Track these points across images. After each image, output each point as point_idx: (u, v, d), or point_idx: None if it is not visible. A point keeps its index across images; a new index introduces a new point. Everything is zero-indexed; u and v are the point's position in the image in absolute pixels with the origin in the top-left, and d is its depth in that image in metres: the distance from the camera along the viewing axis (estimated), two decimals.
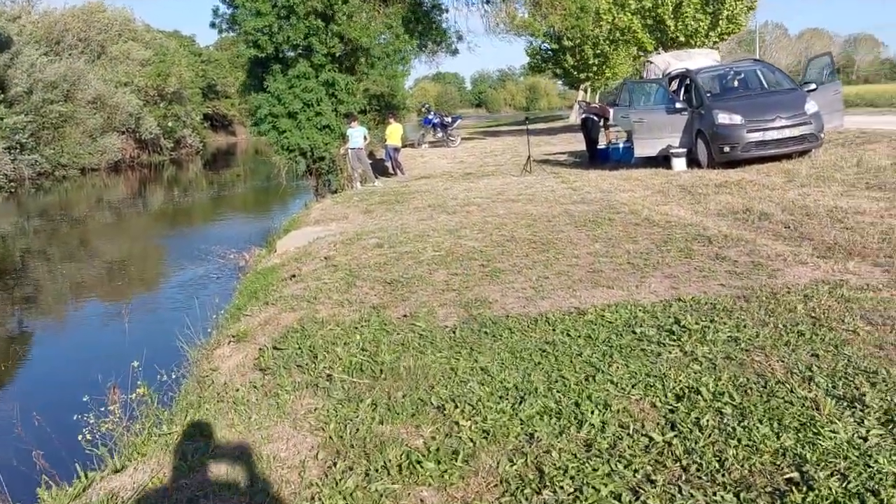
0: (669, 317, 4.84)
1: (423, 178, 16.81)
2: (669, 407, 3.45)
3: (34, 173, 38.90)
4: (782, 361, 3.87)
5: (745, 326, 4.49)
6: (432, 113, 28.31)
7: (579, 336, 4.61)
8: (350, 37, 20.57)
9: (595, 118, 16.09)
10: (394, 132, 18.97)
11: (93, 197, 36.85)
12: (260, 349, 5.43)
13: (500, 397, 3.74)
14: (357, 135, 16.51)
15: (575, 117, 41.30)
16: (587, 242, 7.57)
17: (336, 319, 5.65)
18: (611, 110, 16.86)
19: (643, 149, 13.73)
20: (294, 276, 8.14)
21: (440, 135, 26.93)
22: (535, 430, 3.33)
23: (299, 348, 5.10)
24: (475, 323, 5.13)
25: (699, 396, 3.50)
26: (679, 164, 13.17)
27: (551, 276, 6.25)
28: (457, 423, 3.49)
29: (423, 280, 6.60)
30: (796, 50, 79.71)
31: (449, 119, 27.54)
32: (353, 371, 4.42)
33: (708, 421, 3.25)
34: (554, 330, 4.80)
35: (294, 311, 6.15)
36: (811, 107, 12.21)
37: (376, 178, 17.38)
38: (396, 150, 18.99)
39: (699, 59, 15.45)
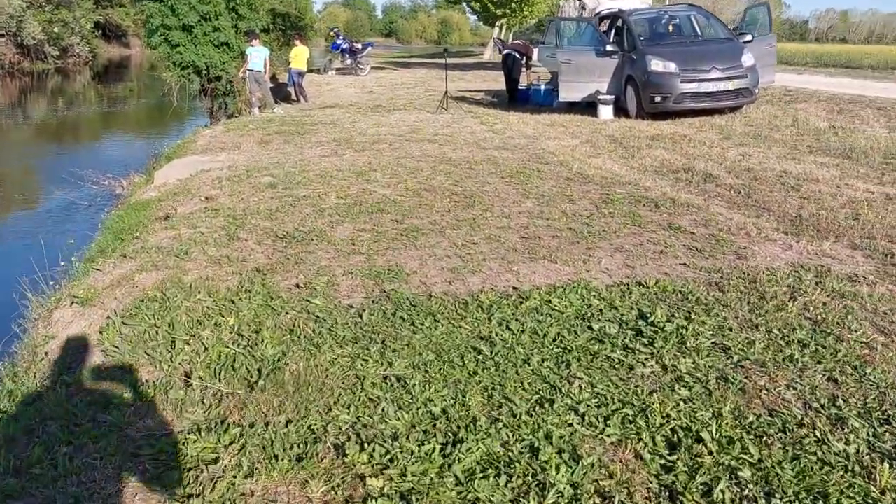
0: (632, 308, 3.87)
1: (328, 107, 15.31)
2: (662, 462, 2.47)
3: None
4: (794, 388, 2.96)
5: (730, 329, 3.56)
6: (342, 38, 26.30)
7: (522, 331, 3.58)
8: None
9: (517, 56, 14.92)
10: (299, 55, 17.21)
11: None
12: (107, 319, 4.16)
13: (425, 433, 2.66)
14: (258, 55, 14.74)
15: (489, 54, 40.00)
16: (518, 198, 6.52)
17: (208, 286, 4.41)
18: (535, 49, 15.76)
19: (569, 92, 12.73)
20: (167, 217, 6.76)
21: (349, 62, 25.11)
22: (479, 498, 2.29)
23: (154, 325, 3.86)
24: (388, 303, 4.01)
25: (701, 446, 2.53)
26: (606, 111, 12.27)
27: (480, 241, 5.18)
28: (362, 478, 2.40)
29: (324, 236, 5.41)
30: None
31: (359, 46, 25.65)
32: (220, 371, 3.25)
33: (724, 496, 2.28)
34: (489, 319, 3.75)
35: (157, 269, 4.85)
36: (748, 59, 11.46)
37: (277, 104, 15.75)
38: (301, 74, 17.27)
39: (631, 0, 14.46)
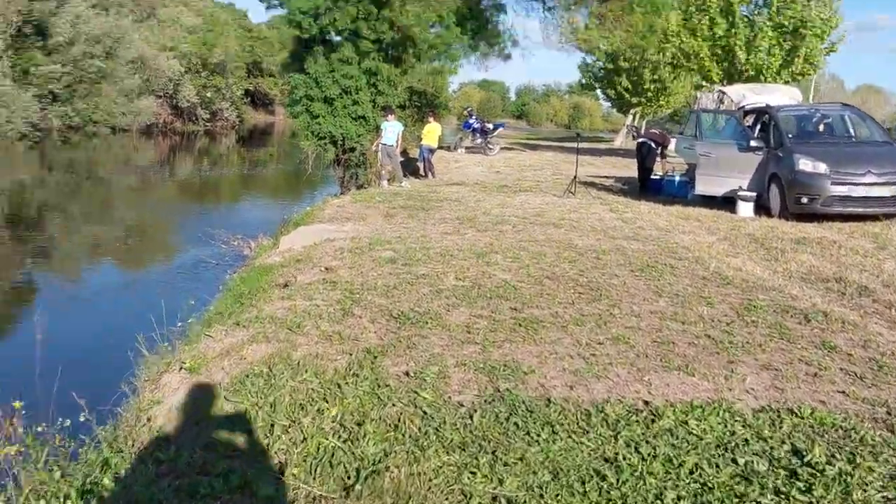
0: (783, 441, 3.34)
1: (454, 184, 15.36)
2: None
3: (63, 125, 38.13)
4: None
5: None
6: (474, 117, 26.76)
7: (654, 456, 3.13)
8: (400, 24, 19.24)
9: (652, 145, 14.53)
10: (431, 132, 17.53)
11: (118, 157, 35.94)
12: (212, 391, 4.02)
13: None
14: (392, 130, 15.06)
15: (621, 141, 39.69)
16: (649, 296, 6.07)
17: (316, 364, 4.21)
18: (672, 139, 15.31)
19: (706, 186, 12.16)
20: (287, 284, 6.73)
21: (479, 141, 25.44)
22: None
23: (257, 405, 3.67)
24: (502, 405, 3.66)
25: None
26: (746, 209, 11.60)
27: (606, 342, 4.77)
28: None
29: (439, 320, 5.14)
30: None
31: (490, 126, 25.97)
32: (316, 467, 2.98)
33: None
34: (615, 437, 3.32)
35: (268, 341, 4.72)
36: None
37: (405, 178, 15.98)
38: (431, 151, 17.55)
39: (779, 96, 13.83)
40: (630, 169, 21.90)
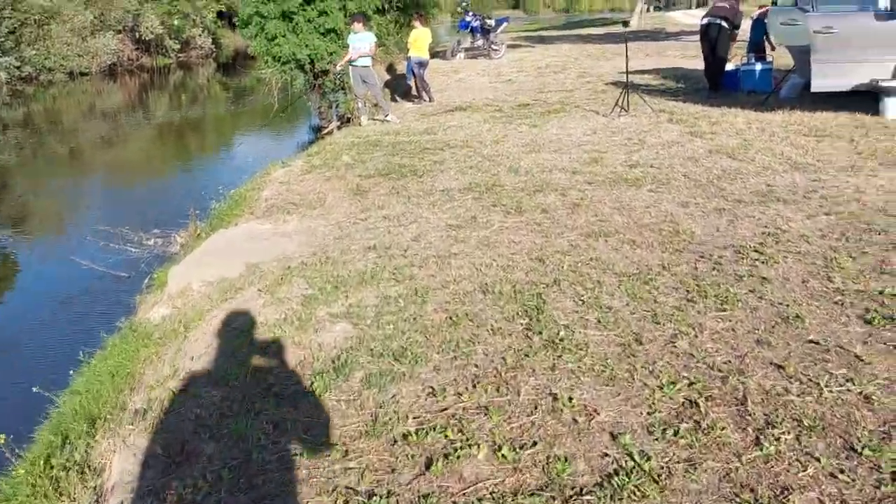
0: None
1: (457, 109, 11.42)
2: None
3: (11, 77, 33.95)
4: None
5: None
6: (471, 14, 22.20)
7: None
8: None
9: (723, 24, 10.36)
10: (419, 40, 13.25)
11: (78, 105, 31.82)
12: None
13: None
14: (362, 43, 10.94)
15: (637, 21, 34.79)
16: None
17: None
18: (758, 11, 11.18)
19: (826, 78, 8.19)
20: (147, 411, 3.16)
21: (480, 42, 21.08)
22: None
23: None
24: None
25: None
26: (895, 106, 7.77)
27: None
28: None
29: None
30: None
31: (492, 22, 21.46)
32: None
33: None
34: None
35: None
36: None
37: (390, 107, 12.06)
38: (422, 64, 13.33)
39: None
40: (667, 57, 17.74)
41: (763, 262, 4.05)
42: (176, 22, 49.02)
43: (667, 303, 3.61)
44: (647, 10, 29.73)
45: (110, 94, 35.76)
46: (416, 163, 7.38)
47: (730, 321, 3.38)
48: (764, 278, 3.83)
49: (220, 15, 63.70)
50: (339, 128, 14.17)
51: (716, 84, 10.65)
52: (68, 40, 38.15)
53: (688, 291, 3.74)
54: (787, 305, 3.50)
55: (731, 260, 4.14)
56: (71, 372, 4.64)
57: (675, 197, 5.49)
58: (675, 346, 3.16)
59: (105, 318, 6.39)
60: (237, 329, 3.84)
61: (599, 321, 3.45)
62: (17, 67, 34.44)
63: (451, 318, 3.64)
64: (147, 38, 46.20)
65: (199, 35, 53.87)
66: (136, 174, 16.44)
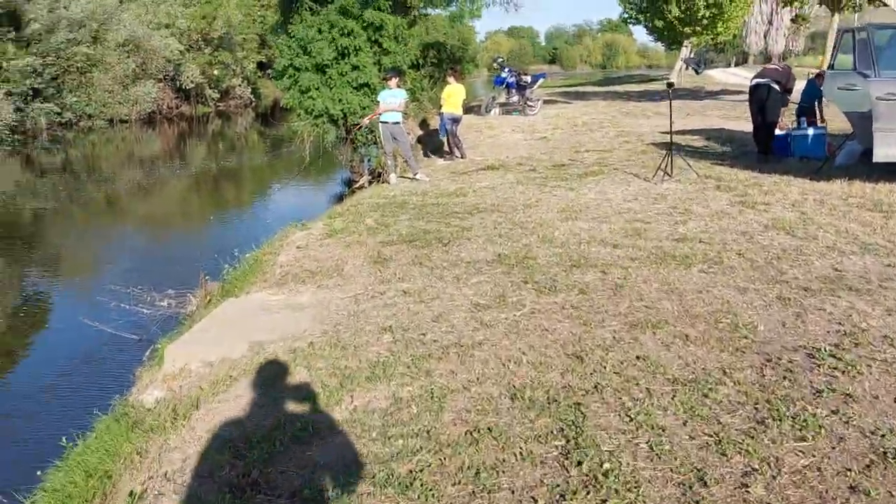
0: None
1: (489, 167, 10.95)
2: None
3: (51, 123, 34.42)
4: None
5: None
6: (507, 70, 21.92)
7: None
8: None
9: (776, 86, 9.80)
10: (453, 96, 12.87)
11: (116, 152, 32.08)
12: None
13: None
14: (393, 99, 10.56)
15: (676, 78, 34.41)
16: None
17: None
18: (812, 74, 10.64)
19: (892, 147, 7.57)
20: None
21: (515, 98, 20.75)
22: None
23: None
24: None
25: None
26: None
27: None
28: None
29: None
30: None
31: (528, 78, 21.13)
32: None
33: None
34: None
35: None
36: None
37: (419, 165, 11.63)
38: (455, 120, 12.93)
39: None
40: (709, 117, 17.22)
41: (843, 372, 3.42)
42: (216, 72, 49.91)
43: (732, 424, 2.99)
44: (686, 68, 29.30)
45: (148, 142, 36.13)
46: (443, 228, 6.86)
47: (813, 455, 2.75)
48: (848, 395, 3.20)
49: (260, 66, 64.93)
50: (370, 182, 13.80)
51: (766, 148, 10.05)
52: (110, 87, 38.77)
53: (756, 409, 3.12)
54: (883, 435, 2.86)
55: (804, 367, 3.51)
56: (53, 461, 4.14)
57: (731, 280, 4.88)
58: (748, 492, 2.54)
59: (103, 392, 5.90)
60: (220, 439, 3.29)
61: (652, 448, 2.84)
62: (58, 113, 34.96)
63: (471, 432, 3.05)
64: (187, 87, 47.01)
65: (239, 85, 54.81)
66: (164, 226, 16.19)
